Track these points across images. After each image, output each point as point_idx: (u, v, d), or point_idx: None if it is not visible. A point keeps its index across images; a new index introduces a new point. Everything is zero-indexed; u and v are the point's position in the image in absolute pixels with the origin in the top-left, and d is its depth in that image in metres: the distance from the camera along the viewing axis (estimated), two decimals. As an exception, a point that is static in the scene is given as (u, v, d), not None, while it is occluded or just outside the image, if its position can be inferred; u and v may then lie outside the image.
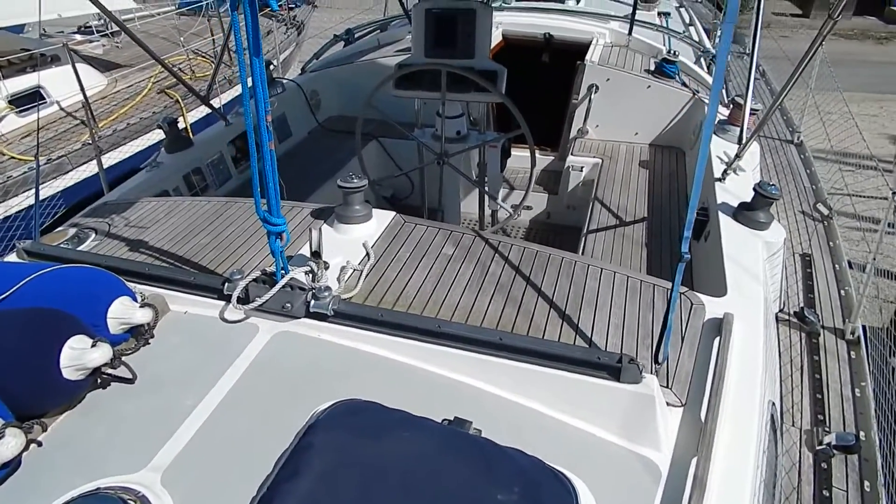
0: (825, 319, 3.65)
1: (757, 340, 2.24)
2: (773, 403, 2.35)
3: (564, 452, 1.74)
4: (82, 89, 6.07)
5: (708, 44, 6.88)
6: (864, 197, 5.74)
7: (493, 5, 6.97)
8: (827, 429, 2.91)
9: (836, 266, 4.25)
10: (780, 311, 3.49)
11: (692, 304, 2.35)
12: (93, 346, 1.79)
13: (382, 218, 2.79)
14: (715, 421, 1.80)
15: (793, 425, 2.91)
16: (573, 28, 5.97)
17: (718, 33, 9.36)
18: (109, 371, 1.96)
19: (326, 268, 2.43)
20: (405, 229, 2.74)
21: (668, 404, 1.95)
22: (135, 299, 2.14)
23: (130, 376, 1.96)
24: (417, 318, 2.09)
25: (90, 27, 9.34)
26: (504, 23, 6.07)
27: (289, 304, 2.15)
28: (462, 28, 3.63)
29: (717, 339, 2.14)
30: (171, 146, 4.18)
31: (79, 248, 2.81)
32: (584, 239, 3.79)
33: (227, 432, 1.79)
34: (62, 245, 2.83)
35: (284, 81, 5.44)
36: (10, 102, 6.54)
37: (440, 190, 4.05)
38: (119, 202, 3.36)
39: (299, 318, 2.16)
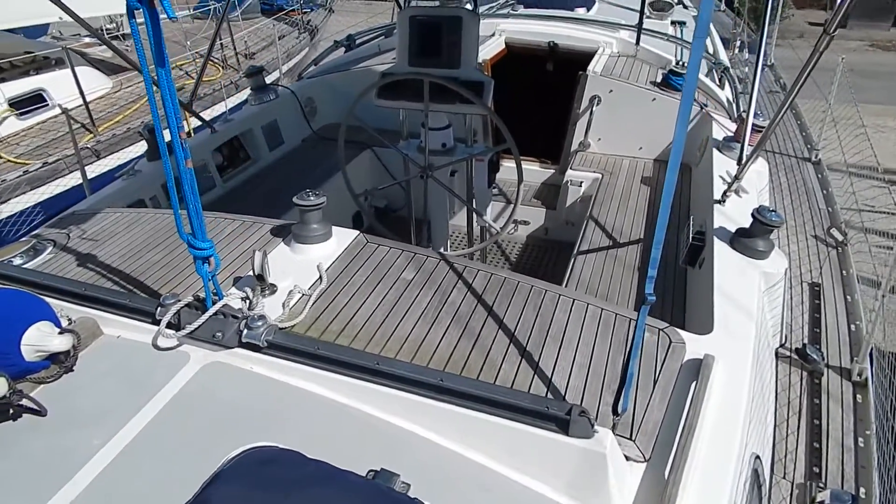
0: (831, 357, 3.34)
1: (741, 386, 2.01)
2: (758, 457, 2.11)
3: None
4: (81, 93, 6.02)
5: (723, 55, 6.60)
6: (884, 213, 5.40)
7: (499, 13, 6.83)
8: (822, 484, 2.62)
9: (848, 298, 3.94)
10: (781, 345, 3.21)
11: (671, 342, 2.13)
12: (-14, 379, 1.63)
13: (343, 238, 2.61)
14: (679, 480, 1.58)
15: (784, 478, 2.63)
16: (580, 36, 5.76)
17: (738, 43, 9.05)
18: (23, 402, 1.81)
19: (273, 292, 2.27)
20: (366, 251, 2.56)
21: (629, 459, 1.74)
22: (57, 324, 1.99)
23: (42, 409, 1.81)
24: (355, 354, 1.90)
25: (102, 30, 9.38)
26: (507, 30, 5.88)
27: (220, 333, 1.98)
28: (447, 36, 3.46)
29: (695, 383, 1.92)
30: (152, 154, 4.07)
31: (29, 263, 2.68)
32: (573, 260, 3.57)
33: (129, 479, 1.62)
34: (14, 258, 2.71)
35: (278, 88, 5.31)
36: (10, 105, 6.52)
37: (425, 204, 3.87)
38: (86, 212, 3.24)
39: (232, 347, 1.99)
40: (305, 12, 12.36)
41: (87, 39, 8.95)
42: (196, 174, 4.54)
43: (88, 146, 6.55)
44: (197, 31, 9.89)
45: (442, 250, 3.99)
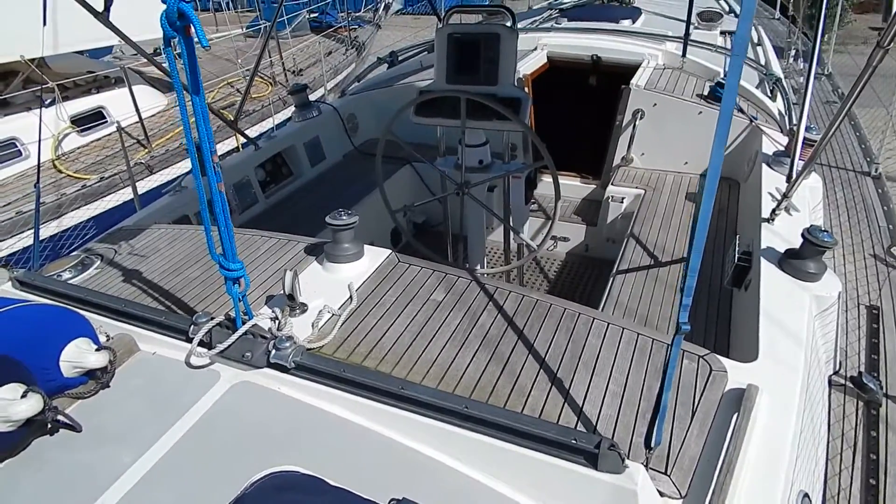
0: (890, 386, 3.12)
1: (788, 418, 1.90)
2: (807, 495, 1.98)
3: None
4: (137, 110, 6.27)
5: (776, 66, 6.35)
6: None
7: (542, 27, 6.78)
8: None
9: None
10: (835, 373, 3.03)
11: (711, 370, 2.03)
12: (23, 395, 1.68)
13: (375, 257, 2.61)
14: None
15: None
16: (624, 49, 5.65)
17: (792, 52, 8.72)
18: (59, 417, 1.86)
19: (304, 311, 2.28)
20: (397, 270, 2.55)
21: (663, 495, 1.65)
22: (95, 341, 2.05)
23: (76, 425, 1.86)
24: (380, 377, 1.89)
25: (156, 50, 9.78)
26: (550, 45, 5.82)
27: (249, 354, 1.99)
28: (485, 53, 3.43)
29: (736, 415, 1.82)
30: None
31: (77, 278, 2.78)
32: (612, 280, 3.47)
33: (155, 500, 1.64)
34: (63, 272, 2.81)
35: (321, 105, 5.41)
36: (72, 122, 6.86)
37: (461, 221, 3.84)
38: (133, 228, 3.35)
39: (261, 367, 2.00)
40: (353, 29, 12.59)
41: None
42: (239, 190, 4.65)
43: (143, 161, 6.81)
44: (248, 49, 10.21)
45: (478, 267, 3.96)
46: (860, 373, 3.10)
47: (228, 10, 14.78)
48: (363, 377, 1.87)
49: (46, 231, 5.81)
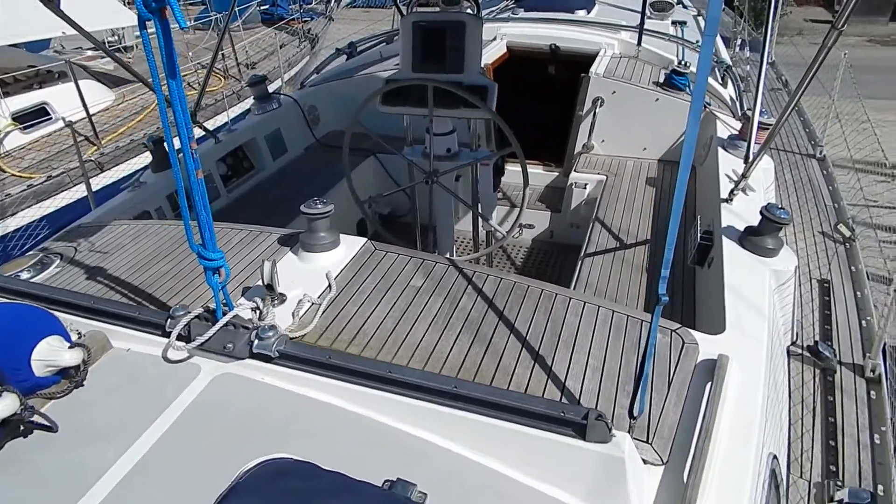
0: (843, 354, 3.31)
1: (756, 385, 1.99)
2: (775, 456, 2.09)
3: None
4: (84, 106, 6.03)
5: (724, 54, 6.59)
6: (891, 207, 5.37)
7: (500, 17, 6.83)
8: (840, 482, 2.58)
9: (858, 294, 3.91)
10: (793, 343, 3.19)
11: (684, 342, 2.11)
12: (-3, 396, 1.62)
13: (351, 245, 2.60)
14: (698, 482, 1.57)
15: (801, 477, 2.60)
16: (581, 38, 5.75)
17: (738, 42, 9.03)
18: (34, 418, 1.80)
19: (282, 301, 2.26)
20: (374, 258, 2.55)
21: (646, 462, 1.72)
22: (67, 338, 1.98)
23: (53, 424, 1.80)
24: (367, 362, 1.89)
25: (105, 43, 9.41)
26: (509, 34, 5.87)
27: (230, 345, 1.96)
28: (451, 41, 3.44)
29: (710, 384, 1.90)
30: (157, 165, 4.07)
31: (37, 278, 2.68)
32: (580, 263, 3.55)
33: (142, 495, 1.60)
34: (21, 272, 2.70)
35: (281, 97, 5.31)
36: (14, 119, 6.54)
37: (430, 210, 3.86)
38: (92, 225, 3.23)
39: (243, 358, 1.97)
40: (305, 21, 12.38)
41: (89, 53, 8.98)
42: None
43: (92, 159, 6.55)
44: (198, 42, 9.92)
45: (448, 256, 3.98)
46: (816, 342, 3.27)
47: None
48: (350, 363, 1.87)
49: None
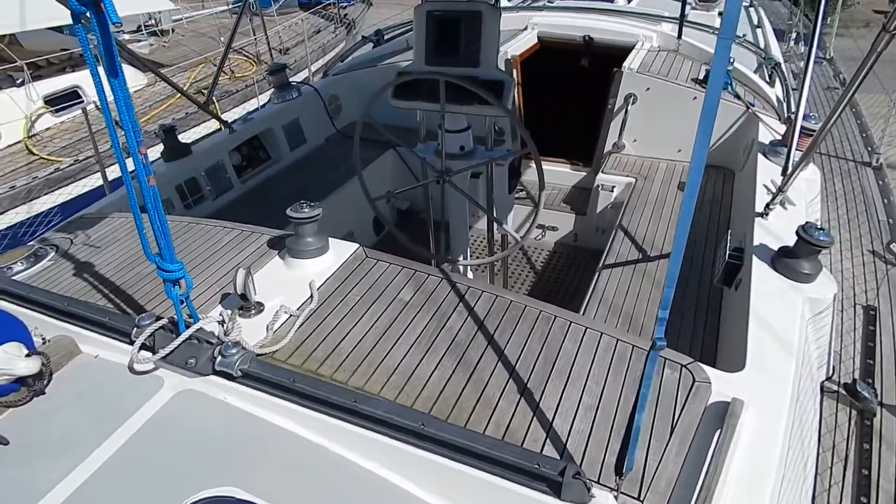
0: (885, 395, 2.95)
1: (775, 436, 1.75)
2: None
3: None
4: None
5: (775, 49, 6.14)
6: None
7: (533, 5, 6.54)
8: None
9: None
10: (828, 379, 2.88)
11: (694, 380, 1.88)
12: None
13: (341, 252, 2.44)
14: None
15: None
16: (617, 30, 5.43)
17: (793, 35, 8.48)
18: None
19: (259, 311, 2.12)
20: (364, 266, 2.38)
21: None
22: (29, 345, 1.88)
23: (2, 439, 1.70)
24: (333, 389, 1.73)
25: (142, 25, 9.48)
26: (541, 24, 5.59)
27: (193, 360, 1.83)
28: (466, 33, 3.23)
29: (719, 432, 1.67)
30: (168, 154, 4.00)
31: (28, 270, 2.61)
32: (597, 274, 3.31)
33: None
34: (15, 264, 2.64)
35: (302, 86, 5.19)
36: (46, 102, 6.60)
37: (442, 209, 3.67)
38: (93, 216, 3.17)
39: (206, 374, 1.84)
40: (343, 6, 12.24)
41: (126, 36, 9.06)
42: (212, 175, 4.44)
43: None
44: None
45: (461, 258, 3.80)
46: (854, 379, 2.93)
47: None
48: (315, 389, 1.72)
49: (16, 217, 5.59)
